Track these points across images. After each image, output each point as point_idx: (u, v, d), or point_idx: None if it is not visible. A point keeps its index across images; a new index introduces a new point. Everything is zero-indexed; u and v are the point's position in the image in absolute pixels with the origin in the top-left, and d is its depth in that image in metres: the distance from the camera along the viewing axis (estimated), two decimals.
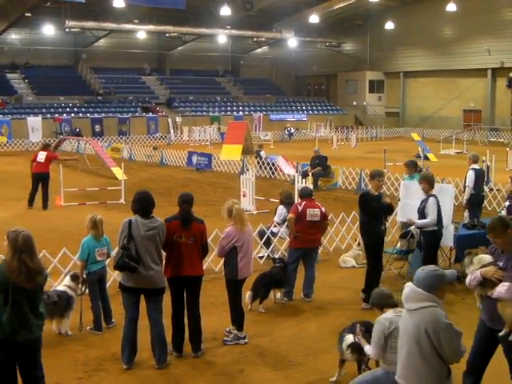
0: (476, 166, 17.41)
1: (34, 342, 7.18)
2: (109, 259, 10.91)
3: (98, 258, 10.60)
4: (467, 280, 7.48)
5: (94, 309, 10.63)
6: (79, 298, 10.63)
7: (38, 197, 22.10)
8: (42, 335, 7.39)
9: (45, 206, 22.15)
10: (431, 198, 12.09)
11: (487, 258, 7.44)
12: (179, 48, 71.67)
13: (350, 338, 8.22)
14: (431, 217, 12.03)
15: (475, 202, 17.13)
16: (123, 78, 67.72)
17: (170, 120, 60.06)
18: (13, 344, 6.97)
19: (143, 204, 9.06)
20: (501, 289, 6.99)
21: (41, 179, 22.30)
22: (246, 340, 10.03)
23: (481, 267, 7.29)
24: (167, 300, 9.50)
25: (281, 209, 14.99)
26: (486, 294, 7.26)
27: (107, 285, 11.36)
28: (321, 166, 26.94)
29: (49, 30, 61.63)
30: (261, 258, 14.60)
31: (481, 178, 17.53)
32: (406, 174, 16.47)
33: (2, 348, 6.97)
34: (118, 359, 9.30)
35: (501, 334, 7.08)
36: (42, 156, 22.52)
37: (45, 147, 23.62)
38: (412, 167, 15.91)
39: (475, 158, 17.71)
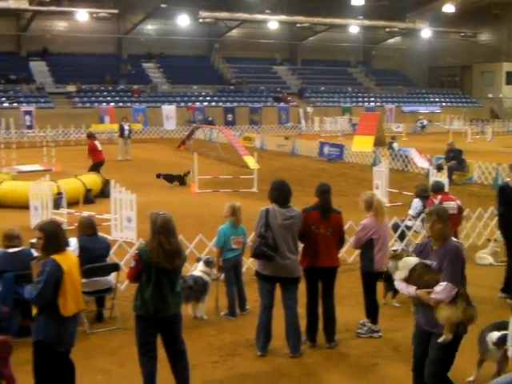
0: None
1: (174, 318, 7.66)
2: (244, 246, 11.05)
3: (234, 246, 10.76)
4: (398, 287, 7.18)
5: (229, 295, 10.80)
6: (215, 283, 10.87)
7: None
8: (180, 312, 7.82)
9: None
10: None
11: (412, 260, 7.01)
12: (311, 38, 71.64)
13: (494, 335, 8.01)
14: None
15: None
16: (255, 68, 68.37)
17: (301, 110, 60.18)
18: (155, 320, 7.49)
19: (281, 193, 9.07)
20: (438, 289, 6.65)
21: (102, 165, 24.89)
22: (380, 334, 9.92)
23: (409, 272, 6.89)
24: (302, 289, 9.51)
25: (416, 202, 14.70)
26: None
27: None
28: (455, 160, 26.29)
29: (183, 20, 62.96)
30: (394, 251, 14.39)
31: None
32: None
33: (145, 324, 7.54)
34: (251, 345, 9.41)
35: (440, 340, 6.72)
36: (99, 145, 25.52)
37: (94, 137, 26.48)
38: None
39: None
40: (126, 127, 35.00)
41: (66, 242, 7.20)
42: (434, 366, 6.89)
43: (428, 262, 6.88)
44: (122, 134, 34.90)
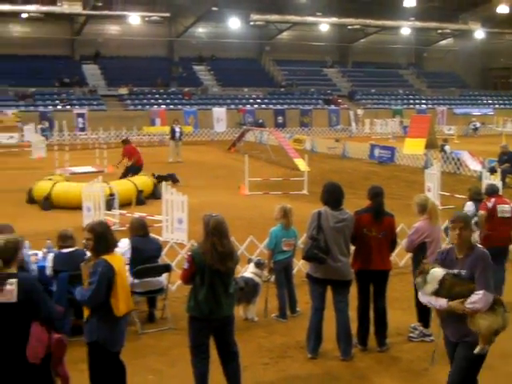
0: None
1: (227, 319, 7.69)
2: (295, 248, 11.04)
3: (285, 248, 10.75)
4: (425, 300, 6.86)
5: (280, 297, 10.79)
6: (265, 285, 10.88)
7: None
8: (233, 313, 7.87)
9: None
10: None
11: (440, 271, 6.67)
12: (362, 40, 71.25)
13: None
14: None
15: None
16: (305, 71, 68.19)
17: (351, 112, 59.96)
18: (208, 322, 7.53)
19: (333, 195, 9.05)
20: (474, 299, 6.40)
21: (141, 170, 24.66)
22: (432, 338, 9.78)
23: (439, 283, 6.59)
24: (353, 292, 9.46)
25: (469, 205, 14.45)
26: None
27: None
28: (509, 163, 25.88)
29: (234, 23, 63.02)
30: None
31: None
32: None
33: (198, 325, 7.58)
34: (302, 348, 9.39)
35: (476, 351, 6.47)
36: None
37: (130, 142, 26.80)
38: None
39: None
40: (178, 130, 35.22)
41: (114, 243, 7.28)
42: (461, 376, 6.72)
43: (455, 271, 6.66)
44: (173, 137, 35.09)
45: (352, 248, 9.44)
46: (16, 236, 6.96)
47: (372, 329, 9.56)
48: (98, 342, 6.97)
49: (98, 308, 6.94)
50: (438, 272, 6.65)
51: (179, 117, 45.79)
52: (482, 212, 11.97)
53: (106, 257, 6.96)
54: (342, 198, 9.10)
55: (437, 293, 6.64)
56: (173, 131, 35.29)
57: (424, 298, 6.84)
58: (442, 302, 6.60)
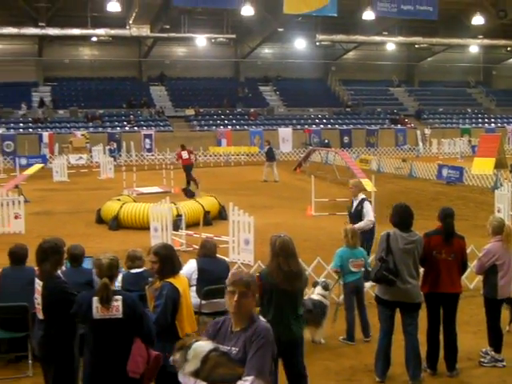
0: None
1: (295, 341, 7.60)
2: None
3: (353, 269, 10.65)
4: (183, 381, 5.35)
5: (349, 320, 10.66)
6: (333, 307, 10.78)
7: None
8: (302, 335, 7.80)
9: (190, 189, 28.16)
10: None
11: (204, 346, 5.29)
12: (428, 59, 70.57)
13: None
14: None
15: None
16: (371, 90, 68.00)
17: (418, 132, 59.46)
18: (276, 344, 7.27)
19: (403, 217, 8.93)
20: None
21: (189, 169, 31.20)
22: (504, 363, 9.55)
23: (202, 361, 5.21)
24: (423, 315, 9.30)
25: None
26: None
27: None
28: None
29: (300, 43, 63.14)
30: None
31: None
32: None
33: None
34: (370, 371, 9.23)
35: None
36: (185, 155, 31.81)
37: (184, 148, 32.51)
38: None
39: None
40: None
41: (179, 265, 7.34)
42: None
43: (226, 348, 5.34)
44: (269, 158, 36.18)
45: (421, 270, 9.31)
46: (114, 255, 7.13)
47: (442, 353, 9.36)
48: (165, 366, 6.94)
49: (164, 331, 6.94)
50: (202, 347, 5.30)
51: (245, 137, 46.05)
52: None
53: (171, 279, 7.00)
54: (412, 220, 8.98)
55: (197, 373, 5.23)
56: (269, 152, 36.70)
57: (182, 379, 5.35)
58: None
